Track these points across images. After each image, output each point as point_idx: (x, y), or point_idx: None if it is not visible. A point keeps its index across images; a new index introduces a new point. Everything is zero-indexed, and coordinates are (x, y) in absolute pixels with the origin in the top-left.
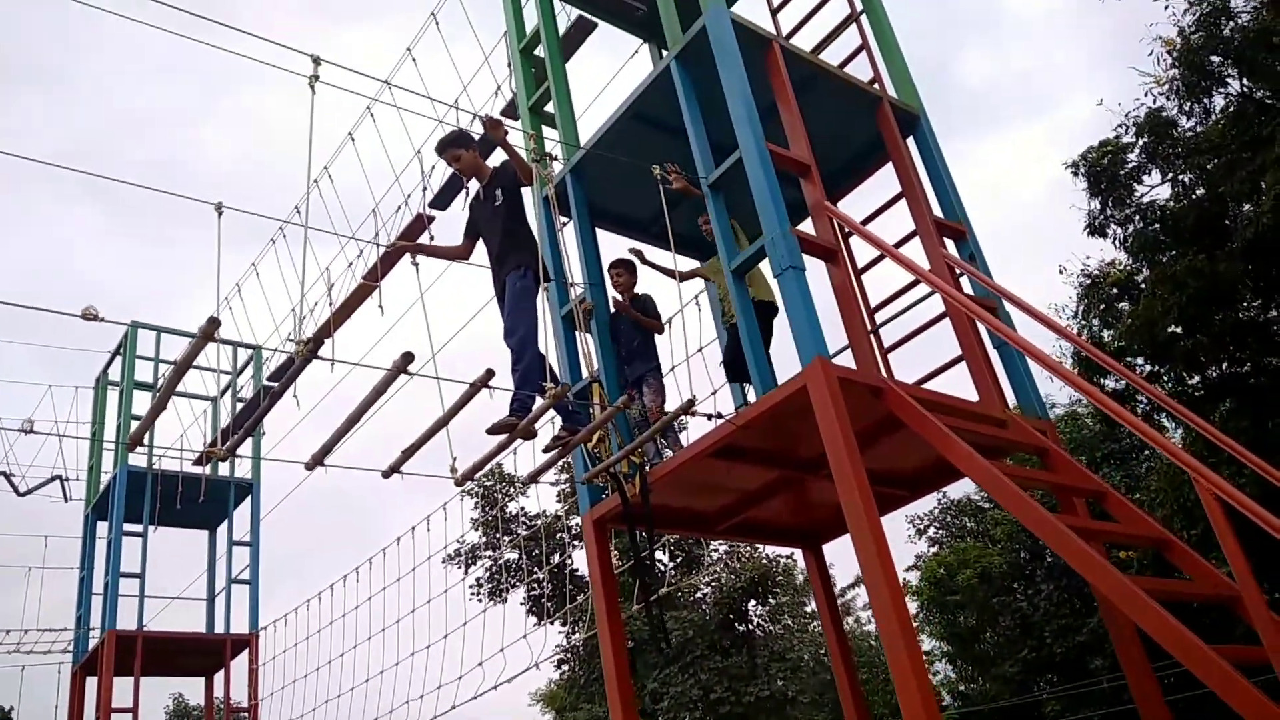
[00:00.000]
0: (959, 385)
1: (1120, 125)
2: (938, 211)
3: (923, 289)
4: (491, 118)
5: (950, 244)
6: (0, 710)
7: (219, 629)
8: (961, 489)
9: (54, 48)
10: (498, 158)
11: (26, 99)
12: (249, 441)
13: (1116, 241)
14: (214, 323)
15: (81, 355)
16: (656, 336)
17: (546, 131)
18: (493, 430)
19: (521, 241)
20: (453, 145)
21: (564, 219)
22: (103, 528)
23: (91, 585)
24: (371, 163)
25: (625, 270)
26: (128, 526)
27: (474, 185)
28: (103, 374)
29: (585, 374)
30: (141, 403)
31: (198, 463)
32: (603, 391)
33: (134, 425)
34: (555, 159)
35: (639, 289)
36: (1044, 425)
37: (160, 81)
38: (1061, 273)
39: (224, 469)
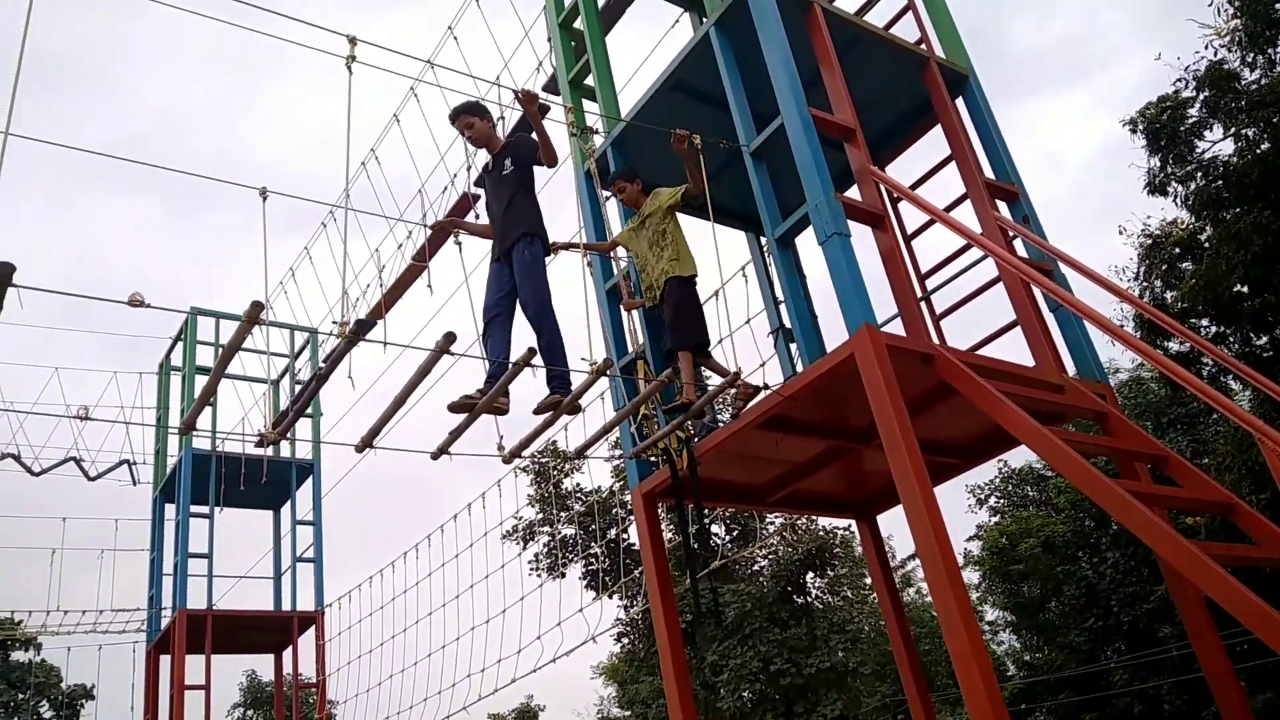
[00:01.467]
0: (1014, 351)
1: (1179, 80)
2: (989, 173)
3: (975, 253)
4: (528, 91)
5: (1003, 206)
6: (82, 687)
7: (286, 607)
8: (1022, 457)
9: (99, 48)
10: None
11: (77, 99)
12: (308, 423)
13: (1178, 200)
14: (257, 306)
15: (147, 342)
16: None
17: (587, 105)
18: (540, 409)
19: (527, 211)
20: (466, 113)
21: (606, 193)
22: (171, 510)
23: (162, 566)
24: (416, 143)
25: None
26: (194, 508)
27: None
28: (165, 360)
29: (630, 349)
30: (202, 387)
31: (258, 445)
32: (648, 366)
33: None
34: (596, 132)
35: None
36: (1103, 389)
37: (203, 75)
38: (1121, 234)
39: (285, 450)
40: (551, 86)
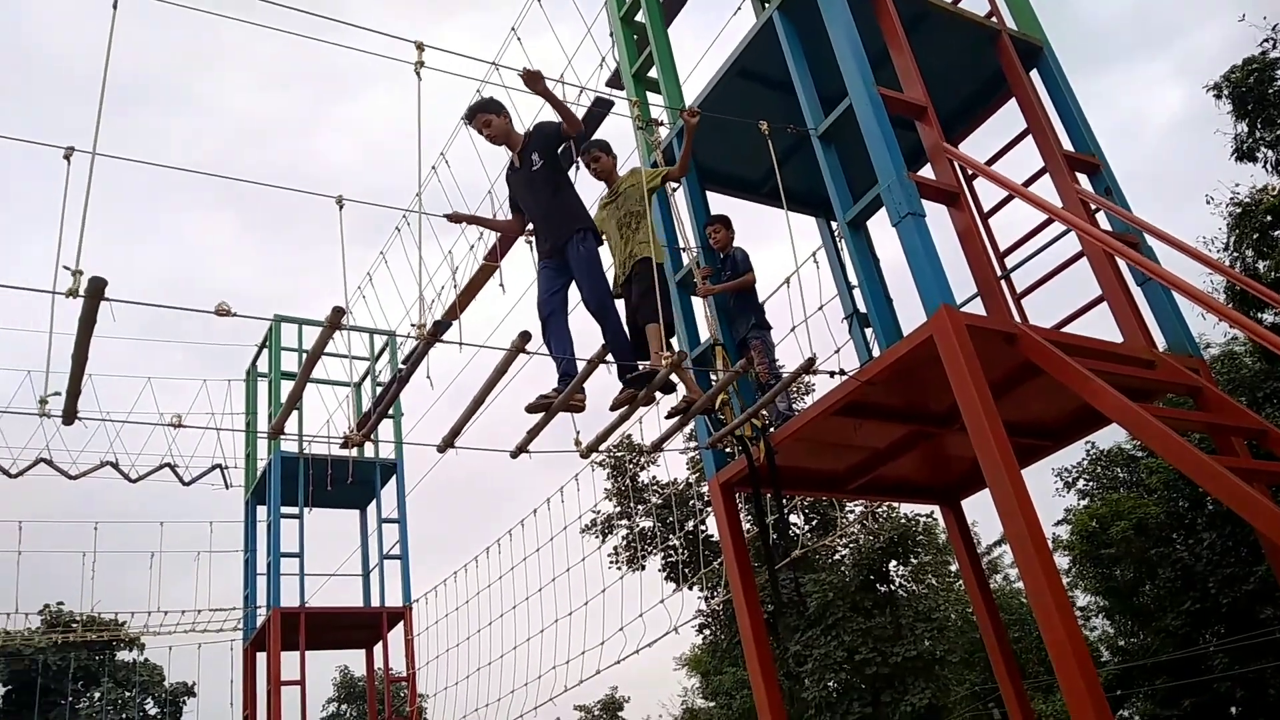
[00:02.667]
0: (1101, 327)
1: (1266, 40)
2: (1068, 146)
3: (1056, 228)
4: (529, 70)
5: (1083, 179)
6: (184, 685)
7: (375, 603)
8: (1111, 437)
9: (177, 67)
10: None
11: (158, 118)
12: (390, 424)
13: (1268, 165)
14: (338, 312)
15: (233, 351)
16: (758, 293)
17: (651, 98)
18: (616, 405)
19: (572, 205)
20: (481, 111)
21: (674, 185)
22: (262, 511)
23: (255, 566)
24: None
25: (722, 226)
26: (285, 509)
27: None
28: (252, 366)
29: (704, 338)
30: (288, 392)
31: (343, 446)
32: (725, 355)
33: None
34: (661, 124)
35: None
36: (1196, 364)
37: (277, 90)
38: (1209, 203)
39: (369, 451)
40: (615, 81)
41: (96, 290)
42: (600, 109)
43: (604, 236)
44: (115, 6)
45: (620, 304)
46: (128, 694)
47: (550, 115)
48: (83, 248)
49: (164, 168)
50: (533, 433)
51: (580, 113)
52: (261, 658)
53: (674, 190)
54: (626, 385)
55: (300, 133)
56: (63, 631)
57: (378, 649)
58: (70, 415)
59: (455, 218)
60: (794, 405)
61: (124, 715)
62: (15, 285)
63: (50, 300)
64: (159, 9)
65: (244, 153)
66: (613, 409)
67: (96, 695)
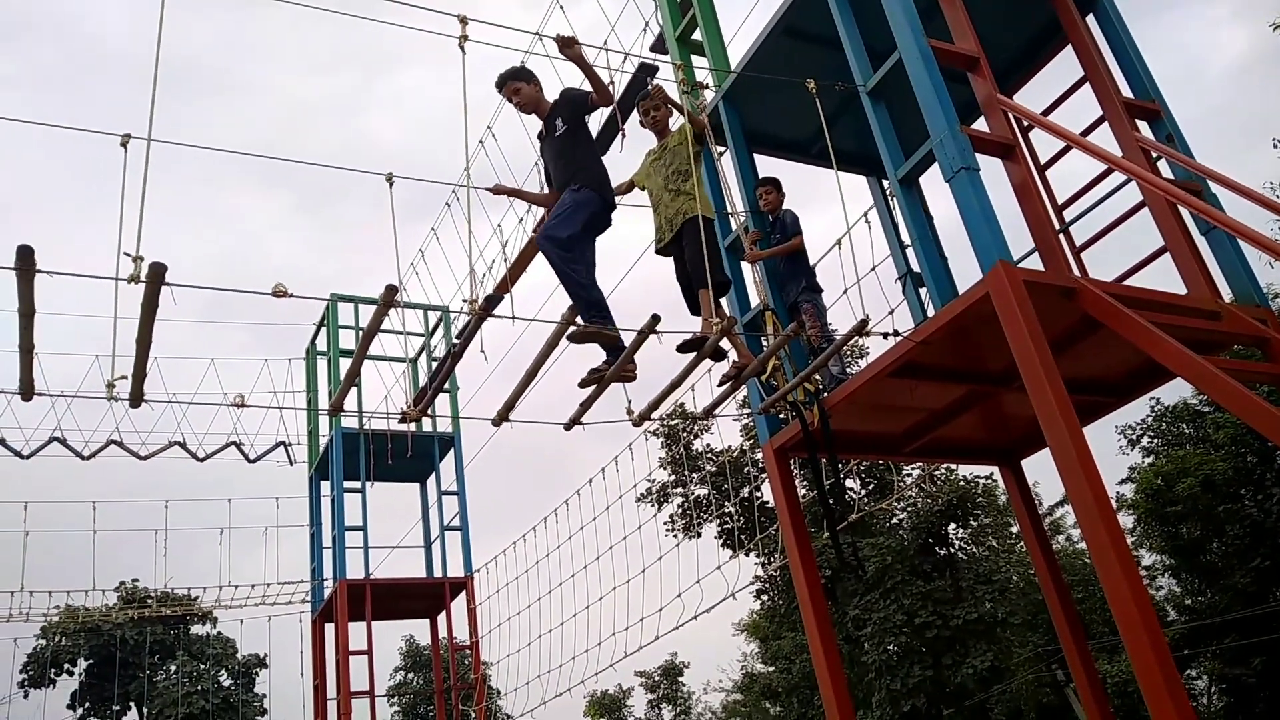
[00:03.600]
0: (1164, 279)
1: None
2: (1127, 92)
3: (1116, 179)
4: (563, 36)
5: (1144, 127)
6: (256, 657)
7: (437, 574)
8: (1175, 392)
9: (225, 54)
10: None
11: (209, 104)
12: (447, 398)
13: None
14: (391, 290)
15: (292, 329)
16: (808, 255)
17: (696, 61)
18: (583, 383)
19: (581, 163)
20: (511, 79)
21: (720, 148)
22: (325, 487)
23: (321, 540)
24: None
25: (772, 188)
26: (347, 484)
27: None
28: (311, 345)
29: (754, 303)
30: (346, 369)
31: (401, 421)
32: (775, 319)
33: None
34: (707, 87)
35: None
36: (1264, 314)
37: (324, 71)
38: (1276, 147)
39: (427, 425)
40: (659, 46)
41: (157, 275)
42: (644, 74)
43: (649, 194)
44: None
45: (670, 262)
46: (202, 666)
47: (582, 83)
48: (142, 233)
49: (219, 151)
50: (585, 404)
51: (623, 80)
52: (329, 629)
53: (720, 154)
54: (680, 350)
55: (349, 111)
56: (139, 607)
57: (441, 618)
58: (137, 398)
59: (498, 190)
60: (848, 369)
61: (199, 687)
62: (79, 273)
63: (114, 286)
64: None
65: (295, 133)
66: (582, 385)
67: (172, 668)
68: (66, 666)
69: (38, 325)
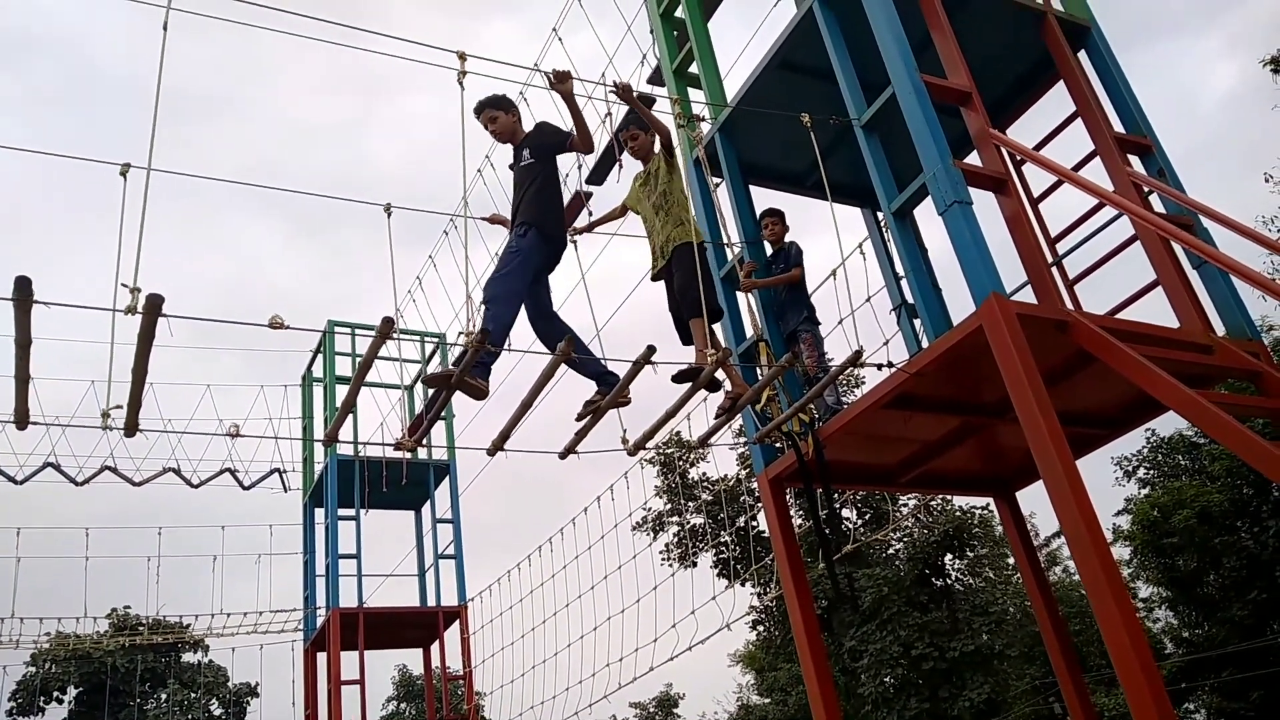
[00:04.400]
0: (1157, 313)
1: None
2: (1118, 127)
3: (1108, 213)
4: (558, 71)
5: (1135, 161)
6: (247, 685)
7: (431, 602)
8: (1171, 424)
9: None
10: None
11: (207, 129)
12: (443, 426)
13: None
14: (388, 322)
15: (290, 356)
16: (807, 286)
17: (693, 93)
18: (433, 381)
19: (533, 200)
20: (490, 106)
21: (717, 179)
22: (320, 514)
23: (314, 568)
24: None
25: (777, 220)
26: (341, 511)
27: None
28: (307, 372)
29: (750, 333)
30: (343, 396)
31: (396, 449)
32: (769, 350)
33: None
34: (703, 120)
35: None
36: (1256, 348)
37: (323, 98)
38: (1267, 180)
39: (423, 453)
40: (656, 78)
41: (154, 307)
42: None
43: (643, 220)
44: (165, 28)
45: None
46: (193, 694)
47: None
48: (140, 262)
49: (218, 180)
50: (580, 434)
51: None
52: (322, 658)
53: (717, 186)
54: (675, 380)
55: (348, 139)
56: (130, 634)
57: (435, 648)
58: (132, 427)
59: (494, 220)
60: (843, 399)
61: (190, 715)
62: (77, 304)
63: (110, 317)
64: (210, 22)
65: (293, 159)
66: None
67: (163, 696)
68: (56, 694)
69: (33, 351)
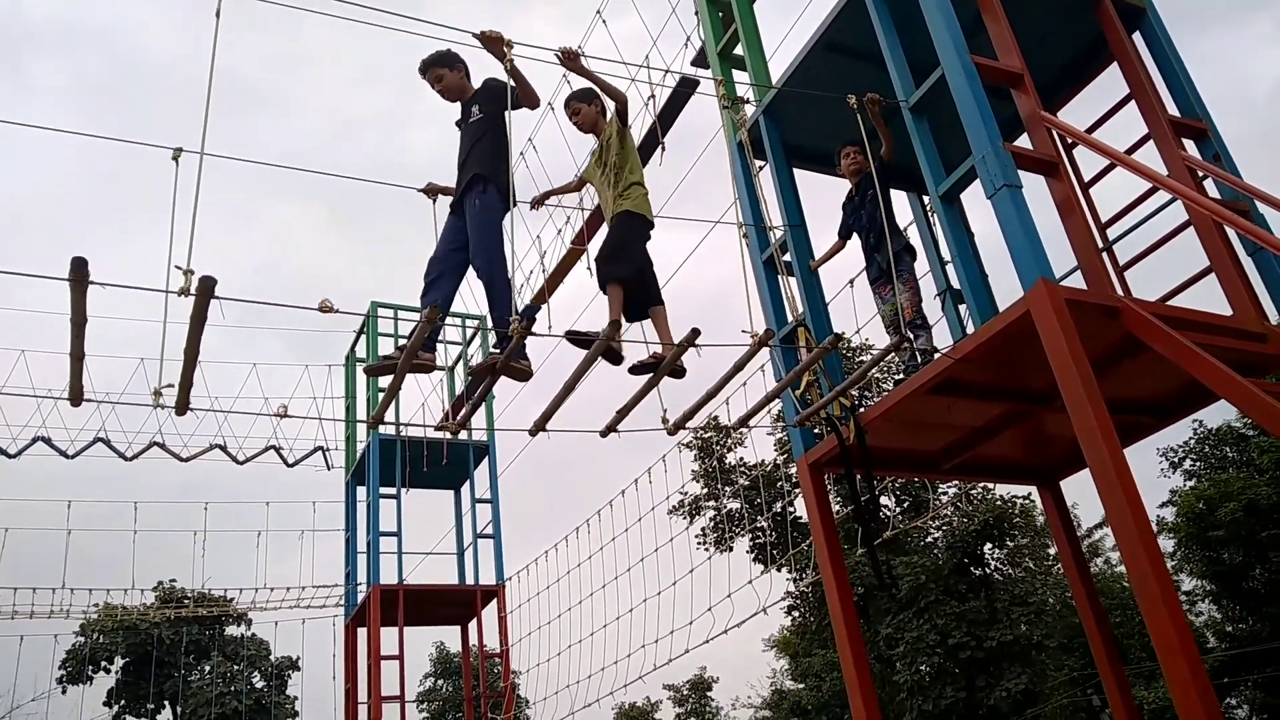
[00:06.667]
0: (1209, 300)
1: None
2: (1173, 110)
3: (1161, 197)
4: (488, 33)
5: (1190, 145)
6: (289, 659)
7: (469, 581)
8: (1219, 414)
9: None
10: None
11: (256, 119)
12: (482, 407)
13: None
14: (435, 309)
15: (331, 336)
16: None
17: (737, 75)
18: (479, 371)
19: (485, 155)
20: (434, 65)
21: (760, 162)
22: (362, 492)
23: (356, 545)
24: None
25: (859, 149)
26: (383, 490)
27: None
28: (350, 352)
29: (790, 318)
30: (388, 383)
31: (437, 429)
32: (809, 335)
33: (379, 397)
34: (747, 102)
35: None
36: None
37: (364, 86)
38: None
39: (463, 433)
40: (700, 60)
41: (207, 289)
42: (685, 89)
43: (598, 193)
44: (218, 15)
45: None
46: (236, 667)
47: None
48: (192, 247)
49: (266, 165)
50: (622, 412)
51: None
52: (362, 633)
53: (760, 169)
54: (633, 372)
55: (389, 126)
56: (176, 607)
57: (472, 626)
58: (183, 406)
59: (538, 202)
60: (935, 346)
61: (232, 687)
62: (134, 285)
63: (164, 299)
64: (254, 12)
65: (332, 148)
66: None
67: (207, 668)
68: (104, 664)
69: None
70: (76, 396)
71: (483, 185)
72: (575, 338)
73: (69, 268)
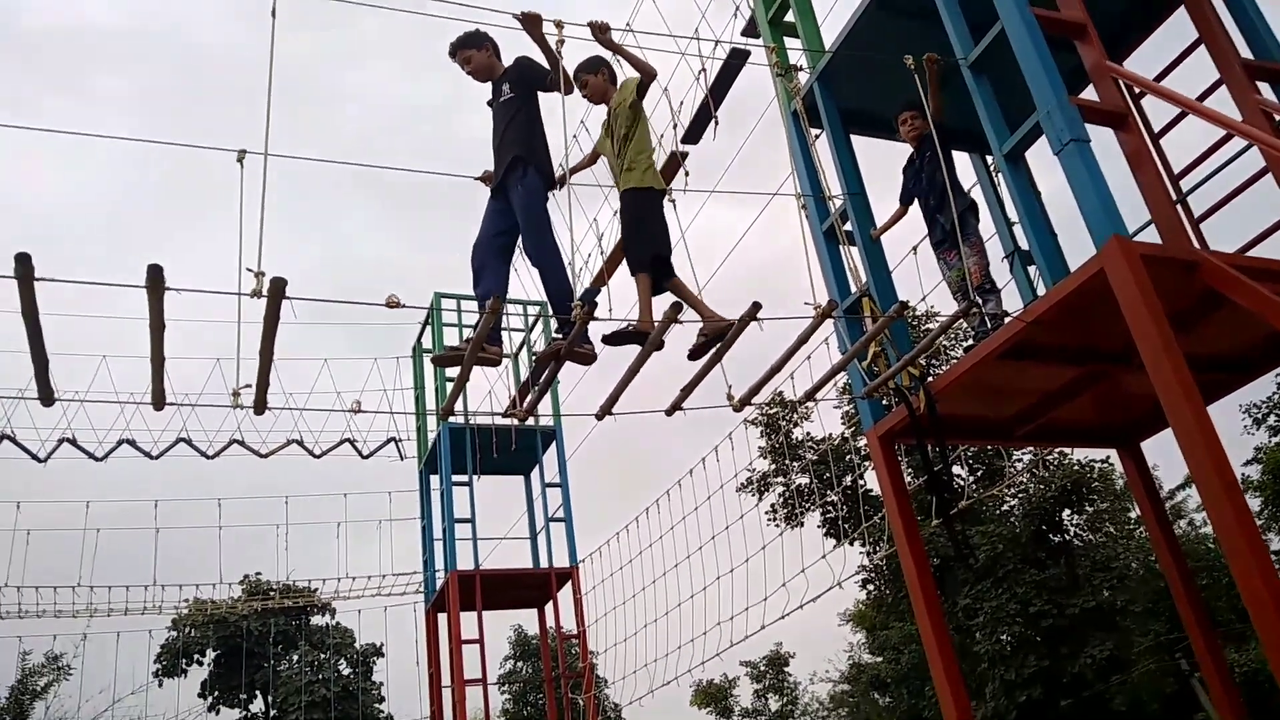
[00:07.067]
0: None
1: None
2: (1245, 53)
3: (1235, 145)
4: (528, 13)
5: (1265, 89)
6: (373, 646)
7: (543, 564)
8: None
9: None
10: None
11: (311, 112)
12: (548, 393)
13: None
14: (498, 300)
15: (395, 328)
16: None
17: (790, 42)
18: (542, 359)
19: (522, 133)
20: (462, 47)
21: (816, 131)
22: (435, 481)
23: (432, 532)
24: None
25: (918, 114)
26: (455, 478)
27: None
28: (417, 343)
29: (854, 288)
30: (456, 375)
31: (504, 416)
32: (874, 304)
33: (446, 386)
34: (800, 69)
35: None
36: None
37: (416, 79)
38: None
39: (530, 420)
40: (750, 30)
41: (278, 290)
42: (736, 60)
43: (609, 166)
44: (274, 14)
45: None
46: (323, 656)
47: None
48: (262, 248)
49: (328, 163)
50: (686, 390)
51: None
52: (442, 618)
53: (816, 138)
54: (606, 342)
55: (442, 115)
56: (262, 599)
57: (549, 608)
58: (261, 405)
59: (562, 181)
60: (1004, 310)
61: (320, 675)
62: (209, 290)
63: (237, 301)
64: (309, 8)
65: (390, 138)
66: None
67: (295, 657)
68: (196, 657)
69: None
70: (159, 400)
71: (523, 168)
72: (615, 339)
73: (145, 276)
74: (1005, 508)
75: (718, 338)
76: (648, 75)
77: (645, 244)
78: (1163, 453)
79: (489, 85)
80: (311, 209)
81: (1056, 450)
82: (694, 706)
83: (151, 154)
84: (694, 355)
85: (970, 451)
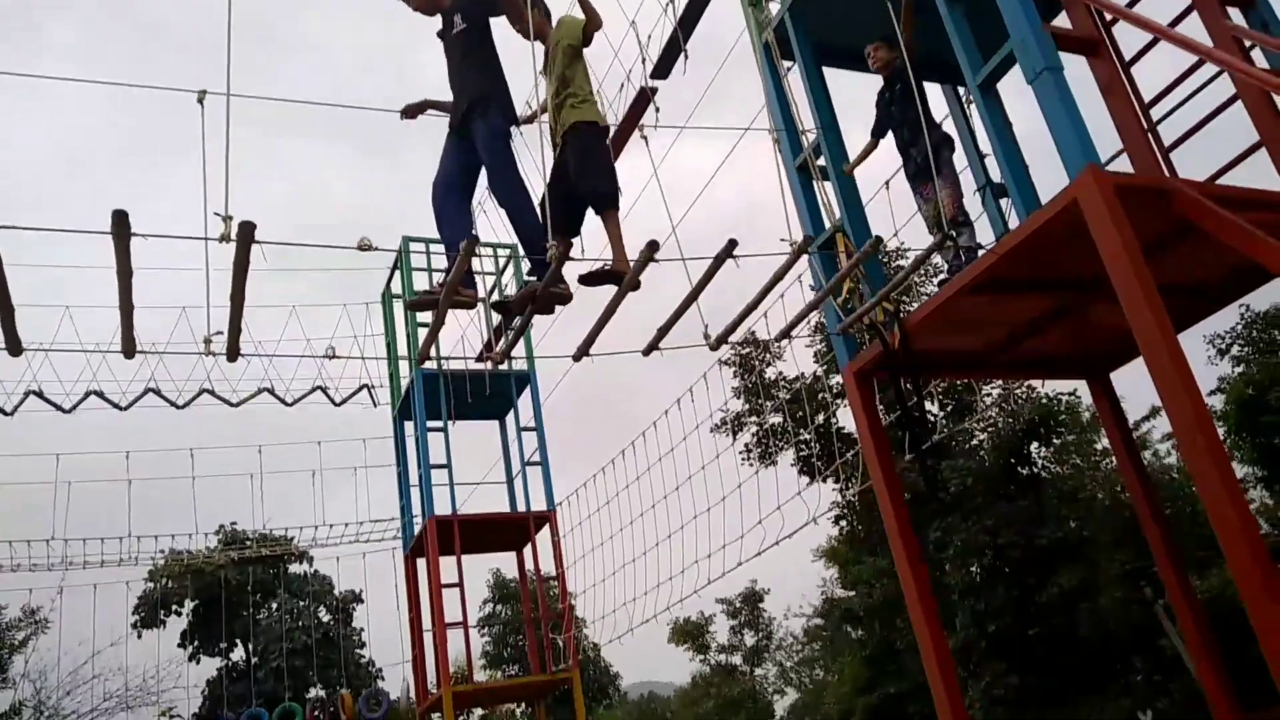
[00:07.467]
0: (1261, 176)
1: None
2: None
3: (1206, 72)
4: None
5: (1235, 14)
6: (352, 593)
7: (520, 508)
8: (1266, 298)
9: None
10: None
11: (289, 61)
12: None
13: None
14: (474, 241)
15: (362, 273)
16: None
17: None
18: (511, 308)
19: (480, 71)
20: None
21: (788, 63)
22: (409, 427)
23: (408, 478)
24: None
25: (879, 45)
26: (430, 424)
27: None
28: (386, 289)
29: (828, 224)
30: (430, 320)
31: (478, 360)
32: (848, 240)
33: (419, 332)
34: (772, 1)
35: None
36: None
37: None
38: None
39: (504, 363)
40: None
41: (247, 235)
42: None
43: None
44: None
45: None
46: (301, 604)
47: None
48: (229, 192)
49: (291, 103)
50: (663, 330)
51: None
52: (421, 563)
53: (788, 70)
54: (583, 282)
55: (403, 59)
56: (239, 549)
57: (527, 551)
58: (234, 352)
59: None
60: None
61: (299, 623)
62: (176, 235)
63: (204, 246)
64: None
65: (354, 82)
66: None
67: (274, 606)
68: (175, 607)
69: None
70: (129, 349)
71: (485, 107)
72: (591, 279)
73: (110, 221)
74: (975, 442)
75: (615, 279)
76: (591, 23)
77: (605, 178)
78: (1128, 386)
79: (438, 18)
80: (279, 153)
81: (1025, 384)
82: (671, 644)
83: (116, 100)
84: (584, 280)
85: (941, 386)
